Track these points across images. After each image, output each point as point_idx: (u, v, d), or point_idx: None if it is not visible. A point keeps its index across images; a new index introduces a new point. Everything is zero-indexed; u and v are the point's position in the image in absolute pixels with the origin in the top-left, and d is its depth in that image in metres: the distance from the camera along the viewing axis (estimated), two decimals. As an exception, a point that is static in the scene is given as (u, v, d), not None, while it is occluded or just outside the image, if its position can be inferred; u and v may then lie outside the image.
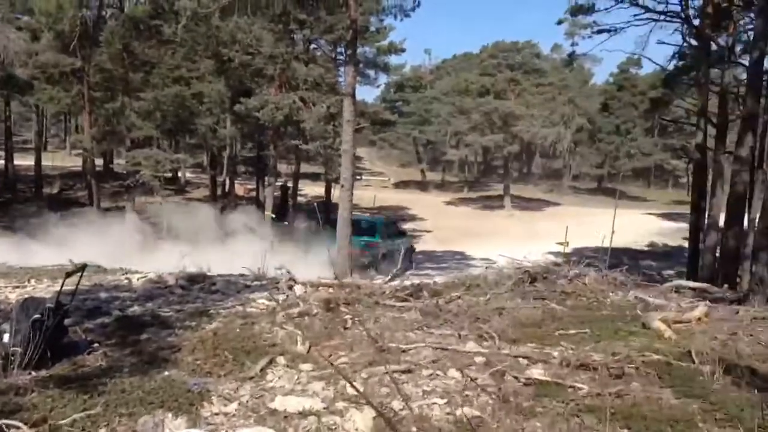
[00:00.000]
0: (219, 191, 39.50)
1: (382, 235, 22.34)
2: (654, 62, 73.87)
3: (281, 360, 5.99)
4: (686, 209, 26.56)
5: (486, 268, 11.74)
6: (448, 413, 4.88)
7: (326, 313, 7.80)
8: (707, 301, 8.82)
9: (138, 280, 10.58)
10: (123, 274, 11.36)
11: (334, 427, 4.62)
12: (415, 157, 71.91)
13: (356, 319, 7.52)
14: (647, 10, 22.50)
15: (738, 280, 17.95)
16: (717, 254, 19.51)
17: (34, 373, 5.28)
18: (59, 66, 29.11)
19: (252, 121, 31.12)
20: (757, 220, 15.56)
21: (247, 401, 5.03)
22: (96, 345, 6.21)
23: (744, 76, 20.12)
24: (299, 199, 38.93)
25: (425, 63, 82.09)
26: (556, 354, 6.24)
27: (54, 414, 4.44)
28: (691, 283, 11.87)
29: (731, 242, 18.16)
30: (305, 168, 42.66)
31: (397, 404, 4.98)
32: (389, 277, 11.24)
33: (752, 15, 19.99)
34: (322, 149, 30.48)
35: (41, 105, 40.15)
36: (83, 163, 39.80)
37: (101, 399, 4.71)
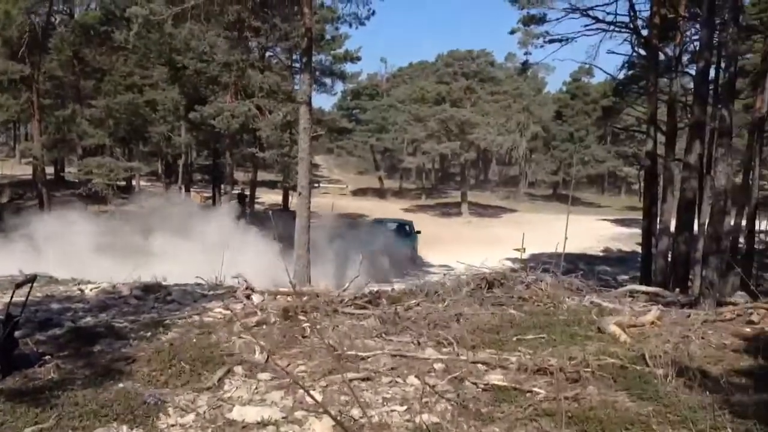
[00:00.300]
0: (174, 200, 38.92)
1: (413, 233, 29.48)
2: (605, 71, 75.03)
3: (239, 370, 5.92)
4: (639, 215, 27.13)
5: (444, 274, 11.77)
6: (407, 420, 4.89)
7: (284, 322, 7.73)
8: (660, 305, 9.02)
9: (91, 290, 10.29)
10: (75, 285, 11.02)
11: (293, 436, 4.58)
12: (372, 165, 71.71)
13: (315, 327, 7.47)
14: (597, 20, 22.91)
15: (689, 283, 18.39)
16: (669, 259, 19.97)
17: (-17, 387, 5.12)
18: (7, 73, 28.48)
19: (207, 129, 30.82)
20: (706, 225, 16.04)
21: (205, 412, 4.96)
22: (48, 357, 6.03)
23: (691, 85, 20.68)
24: (256, 206, 38.62)
25: (381, 71, 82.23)
26: (513, 359, 6.30)
27: (5, 428, 4.34)
28: (645, 288, 12.16)
29: (682, 247, 18.62)
30: (262, 176, 42.40)
31: (356, 412, 4.96)
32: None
33: (698, 26, 20.63)
34: (278, 157, 30.39)
35: (-11, 113, 39.03)
36: (33, 172, 38.76)
37: (54, 412, 4.61)
